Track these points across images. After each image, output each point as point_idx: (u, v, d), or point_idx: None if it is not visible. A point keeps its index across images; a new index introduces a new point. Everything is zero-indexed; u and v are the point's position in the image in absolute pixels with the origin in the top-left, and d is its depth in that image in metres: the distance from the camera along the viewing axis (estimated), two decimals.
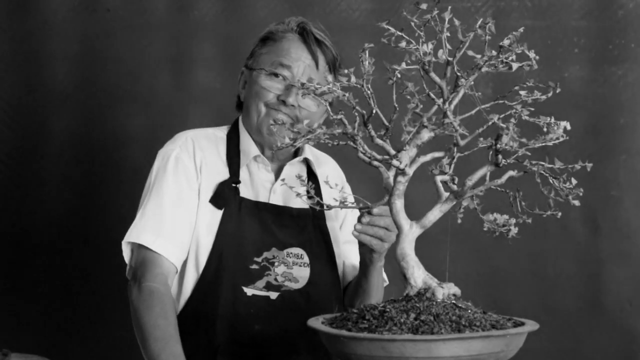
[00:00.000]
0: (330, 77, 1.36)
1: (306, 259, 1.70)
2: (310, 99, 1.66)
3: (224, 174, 1.70)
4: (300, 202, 1.63)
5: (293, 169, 1.77)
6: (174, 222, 1.64)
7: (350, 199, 1.29)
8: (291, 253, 1.69)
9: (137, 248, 1.64)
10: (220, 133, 1.77)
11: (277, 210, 1.71)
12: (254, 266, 1.66)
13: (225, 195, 1.67)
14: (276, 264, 1.67)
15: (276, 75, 1.69)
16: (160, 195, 1.65)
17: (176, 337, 1.54)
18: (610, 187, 2.51)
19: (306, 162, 1.80)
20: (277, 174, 1.76)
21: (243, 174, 1.72)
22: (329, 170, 1.85)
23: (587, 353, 2.50)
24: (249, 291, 1.65)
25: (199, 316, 1.65)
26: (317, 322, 1.24)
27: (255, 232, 1.67)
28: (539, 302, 2.49)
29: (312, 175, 1.78)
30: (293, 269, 1.68)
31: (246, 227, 1.67)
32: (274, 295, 1.66)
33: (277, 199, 1.73)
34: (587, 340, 2.49)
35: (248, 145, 1.73)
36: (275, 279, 1.67)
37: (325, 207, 1.25)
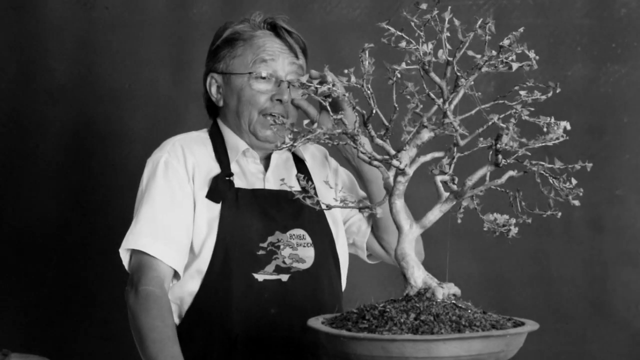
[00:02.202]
0: (330, 78, 1.38)
1: (308, 239, 1.71)
2: (294, 92, 1.69)
3: (216, 171, 1.72)
4: (294, 185, 1.63)
5: (281, 157, 1.79)
6: (168, 225, 1.65)
7: (351, 198, 1.29)
8: (294, 234, 1.70)
9: (134, 254, 1.65)
10: (203, 134, 1.80)
11: (273, 194, 1.72)
12: (261, 252, 1.67)
13: (220, 189, 1.68)
14: (281, 247, 1.68)
15: (263, 77, 1.71)
16: (153, 200, 1.67)
17: (174, 338, 1.55)
18: (615, 187, 2.50)
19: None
20: (266, 163, 1.78)
21: (234, 168, 1.74)
22: (315, 151, 1.87)
23: (593, 355, 2.48)
24: (259, 277, 1.66)
25: (211, 310, 1.66)
26: (317, 322, 1.24)
27: (256, 219, 1.68)
28: (543, 304, 2.48)
29: (298, 161, 1.80)
30: (298, 249, 1.70)
31: (247, 216, 1.68)
32: (285, 277, 1.67)
33: (271, 186, 1.75)
34: (593, 342, 2.48)
35: (235, 142, 1.75)
36: (284, 262, 1.68)
37: (325, 208, 1.26)
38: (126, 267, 1.67)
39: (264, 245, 1.67)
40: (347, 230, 1.86)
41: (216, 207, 1.67)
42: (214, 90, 1.78)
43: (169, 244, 1.63)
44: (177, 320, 1.69)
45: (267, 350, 1.64)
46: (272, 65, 1.71)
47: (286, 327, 1.65)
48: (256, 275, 1.65)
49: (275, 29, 1.75)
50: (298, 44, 1.75)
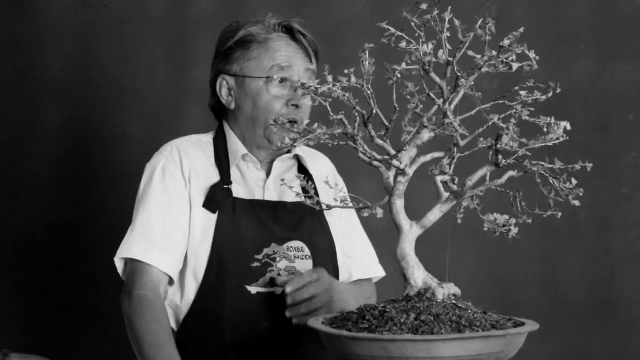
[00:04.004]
0: (329, 78, 1.36)
1: (307, 251, 1.70)
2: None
3: (214, 177, 1.71)
4: (295, 196, 1.63)
5: (283, 166, 1.78)
6: (163, 232, 1.65)
7: (350, 198, 1.29)
8: (291, 247, 1.69)
9: (129, 262, 1.66)
10: (205, 138, 1.79)
11: (271, 205, 1.71)
12: (255, 264, 1.66)
13: (217, 198, 1.67)
14: (277, 259, 1.68)
15: (281, 80, 1.69)
16: (149, 207, 1.67)
17: (170, 340, 1.56)
18: (621, 185, 2.48)
19: (296, 158, 1.81)
20: (268, 171, 1.77)
21: (234, 173, 1.73)
22: (321, 166, 1.85)
23: (600, 355, 2.46)
24: (252, 289, 1.65)
25: (204, 320, 1.66)
26: (317, 322, 1.24)
27: (252, 230, 1.67)
28: (549, 304, 2.46)
29: (303, 171, 1.79)
30: (295, 262, 1.69)
31: (242, 226, 1.67)
32: (278, 290, 1.66)
33: (271, 195, 1.74)
34: (599, 342, 2.46)
35: (236, 146, 1.74)
36: (279, 274, 1.67)
37: (325, 207, 1.25)
38: (121, 274, 1.68)
39: (259, 257, 1.66)
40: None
41: (212, 216, 1.67)
42: (224, 92, 1.75)
43: (164, 250, 1.64)
44: (174, 327, 1.70)
45: None
46: (288, 71, 1.69)
47: (277, 341, 1.65)
48: (249, 288, 1.65)
49: (291, 32, 1.72)
50: (312, 48, 1.73)
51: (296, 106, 1.69)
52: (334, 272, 1.76)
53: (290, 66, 1.69)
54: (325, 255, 1.74)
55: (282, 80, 1.69)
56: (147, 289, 1.59)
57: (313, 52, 1.74)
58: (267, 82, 1.69)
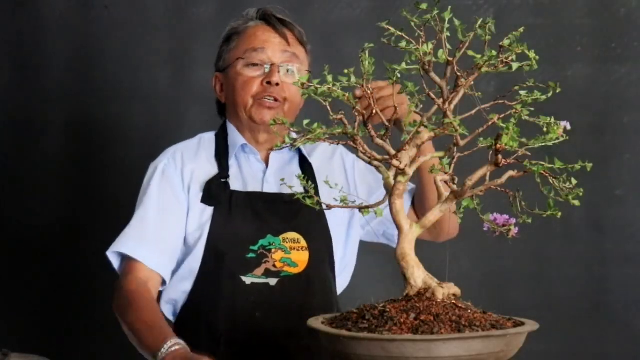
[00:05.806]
0: (330, 78, 1.34)
1: (304, 242, 1.71)
2: (292, 77, 1.72)
3: (213, 174, 1.74)
4: (296, 185, 1.64)
5: (283, 158, 1.79)
6: (156, 231, 1.67)
7: (352, 197, 1.29)
8: (287, 238, 1.70)
9: (124, 259, 1.69)
10: (208, 135, 1.83)
11: (269, 198, 1.73)
12: (251, 255, 1.68)
13: (214, 192, 1.70)
14: (273, 250, 1.69)
15: (254, 64, 1.74)
16: (145, 206, 1.70)
17: (162, 322, 1.56)
18: (615, 187, 2.49)
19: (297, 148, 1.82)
20: (267, 162, 1.79)
21: (233, 167, 1.75)
22: (325, 152, 1.85)
23: (593, 355, 2.47)
24: (247, 280, 1.67)
25: (199, 311, 1.68)
26: (317, 322, 1.24)
27: (248, 222, 1.69)
28: (543, 304, 2.47)
29: (304, 161, 1.80)
30: (291, 254, 1.70)
31: (239, 218, 1.69)
32: (273, 281, 1.68)
33: (270, 188, 1.75)
34: (592, 342, 2.47)
35: (235, 138, 1.77)
36: (274, 266, 1.69)
37: (325, 207, 1.25)
38: (117, 270, 1.70)
39: (255, 248, 1.68)
40: (383, 221, 1.79)
41: (209, 211, 1.69)
42: (218, 89, 1.82)
43: (155, 248, 1.66)
44: (172, 319, 1.72)
45: (250, 354, 1.65)
46: (261, 53, 1.74)
47: (270, 331, 1.66)
48: (244, 278, 1.67)
49: (265, 18, 1.77)
50: (292, 32, 1.77)
51: (269, 83, 1.72)
52: (330, 264, 1.76)
53: (264, 48, 1.74)
54: (321, 247, 1.74)
55: (257, 64, 1.73)
56: (135, 284, 1.62)
57: (294, 37, 1.77)
58: (242, 65, 1.74)
